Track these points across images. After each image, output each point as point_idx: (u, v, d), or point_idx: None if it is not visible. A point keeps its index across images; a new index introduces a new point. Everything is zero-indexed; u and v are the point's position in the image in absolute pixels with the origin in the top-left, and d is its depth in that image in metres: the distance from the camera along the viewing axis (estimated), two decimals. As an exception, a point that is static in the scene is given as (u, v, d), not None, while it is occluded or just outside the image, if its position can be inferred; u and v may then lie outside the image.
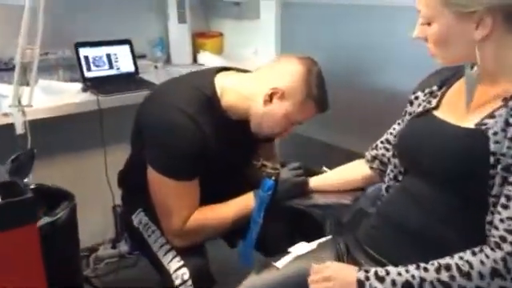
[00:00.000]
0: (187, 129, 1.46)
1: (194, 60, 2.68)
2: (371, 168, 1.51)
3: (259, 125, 1.57)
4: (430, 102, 1.28)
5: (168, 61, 2.65)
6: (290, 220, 1.64)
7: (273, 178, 1.55)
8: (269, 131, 1.60)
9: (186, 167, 1.49)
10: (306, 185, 1.59)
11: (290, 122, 1.58)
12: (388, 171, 1.40)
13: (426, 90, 1.32)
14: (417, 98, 1.35)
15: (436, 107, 1.26)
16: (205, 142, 1.49)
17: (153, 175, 1.51)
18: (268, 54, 2.51)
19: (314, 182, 1.60)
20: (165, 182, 1.49)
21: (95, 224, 2.44)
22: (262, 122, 1.56)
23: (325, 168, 1.66)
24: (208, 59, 2.63)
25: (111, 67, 2.34)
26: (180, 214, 1.52)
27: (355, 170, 1.56)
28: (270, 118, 1.55)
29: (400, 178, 1.35)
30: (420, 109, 1.30)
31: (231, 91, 1.55)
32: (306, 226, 1.63)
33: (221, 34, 2.80)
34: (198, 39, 2.73)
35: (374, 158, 1.50)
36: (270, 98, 1.53)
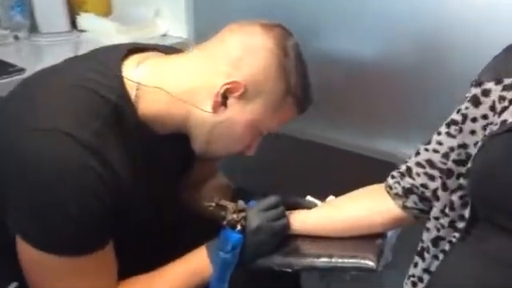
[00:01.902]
0: (82, 169, 0.82)
1: (73, 25, 1.93)
2: (404, 207, 0.96)
3: (207, 143, 0.96)
4: None
5: (34, 28, 1.86)
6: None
7: (238, 227, 0.96)
8: (224, 151, 1.00)
9: (83, 236, 0.85)
10: (287, 229, 1.02)
11: (258, 131, 0.99)
12: (436, 213, 0.88)
13: (508, 81, 0.79)
14: (487, 92, 0.81)
15: None
16: (115, 184, 0.86)
17: (27, 250, 0.86)
18: (176, 17, 1.84)
19: (300, 221, 1.03)
20: (49, 261, 0.85)
21: None
22: (212, 139, 0.95)
23: (310, 198, 1.09)
24: (92, 24, 1.89)
25: None
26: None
27: (370, 206, 1.00)
28: (225, 130, 0.95)
29: (460, 225, 0.83)
30: (509, 116, 0.76)
31: (154, 91, 0.92)
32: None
33: (106, -11, 2.04)
34: (75, -4, 1.97)
35: (410, 191, 0.95)
36: (224, 99, 0.92)
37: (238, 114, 0.94)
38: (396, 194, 0.96)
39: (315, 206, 1.06)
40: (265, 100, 0.94)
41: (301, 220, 1.03)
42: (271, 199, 1.00)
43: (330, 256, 0.95)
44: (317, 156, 1.56)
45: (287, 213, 1.02)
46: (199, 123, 0.94)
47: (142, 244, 1.03)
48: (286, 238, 1.01)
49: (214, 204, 0.97)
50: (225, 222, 0.95)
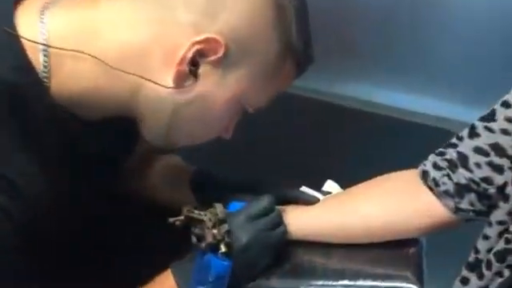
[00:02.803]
0: None
1: None
2: (457, 209, 0.68)
3: (167, 132, 0.66)
4: None
5: None
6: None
7: (222, 249, 0.67)
8: (191, 139, 0.69)
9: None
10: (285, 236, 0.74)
11: (241, 108, 0.68)
12: (501, 216, 0.62)
13: None
14: None
15: None
16: (24, 213, 0.58)
17: None
18: None
19: (302, 222, 0.74)
20: None
21: None
22: (175, 126, 0.65)
23: (308, 190, 0.80)
24: None
25: None
26: None
27: (402, 207, 0.72)
28: (195, 113, 0.65)
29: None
30: None
31: (75, 57, 0.59)
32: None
33: None
34: None
35: (467, 188, 0.67)
36: (193, 66, 0.61)
37: (215, 87, 0.62)
38: (445, 193, 0.68)
39: (317, 200, 0.78)
40: (254, 65, 0.62)
41: (303, 222, 0.75)
42: (262, 201, 0.71)
43: (355, 275, 0.68)
44: (303, 112, 1.25)
45: (281, 210, 0.74)
46: (153, 105, 0.63)
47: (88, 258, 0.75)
48: (285, 248, 0.73)
49: (182, 218, 0.67)
50: (203, 246, 0.66)
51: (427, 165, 0.70)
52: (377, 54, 1.26)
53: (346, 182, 0.83)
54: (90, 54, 0.59)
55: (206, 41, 0.59)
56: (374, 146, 1.16)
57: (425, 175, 0.70)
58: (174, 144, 0.69)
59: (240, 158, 1.16)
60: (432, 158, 0.70)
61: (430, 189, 0.69)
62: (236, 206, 0.73)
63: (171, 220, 0.67)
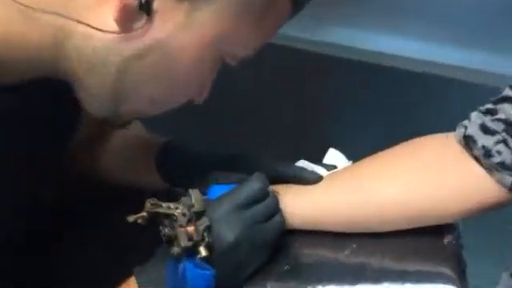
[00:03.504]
0: None
1: None
2: None
3: (114, 97, 0.47)
4: None
5: None
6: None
7: (202, 253, 0.49)
8: (147, 107, 0.52)
9: None
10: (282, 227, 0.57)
11: (219, 56, 0.50)
12: None
13: None
14: None
15: None
16: None
17: None
18: None
19: (303, 207, 0.57)
20: None
21: None
22: (126, 87, 0.47)
23: (304, 163, 0.62)
24: None
25: None
26: None
27: (441, 186, 0.55)
28: (153, 67, 0.46)
29: None
30: None
31: None
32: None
33: None
34: None
35: None
36: (144, 4, 0.42)
37: (178, 30, 0.44)
38: (500, 165, 0.51)
39: (320, 178, 0.60)
40: None
41: (303, 206, 0.58)
42: (253, 183, 0.53)
43: (377, 275, 0.52)
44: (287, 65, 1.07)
45: (274, 189, 0.57)
46: (90, 59, 0.45)
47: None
48: (283, 241, 0.57)
49: (144, 214, 0.49)
50: (175, 252, 0.48)
51: (471, 127, 0.53)
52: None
53: (349, 149, 0.67)
54: None
55: None
56: (377, 101, 1.00)
57: (469, 142, 0.53)
58: (126, 115, 0.51)
59: (216, 123, 0.98)
60: (477, 117, 0.53)
61: (477, 160, 0.52)
62: (217, 190, 0.55)
63: (131, 219, 0.49)
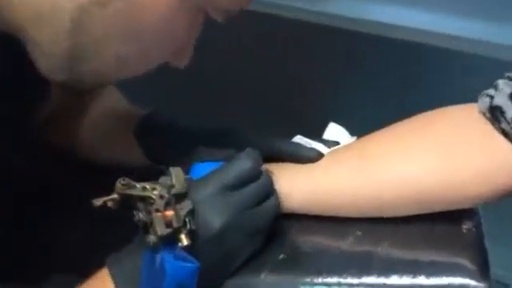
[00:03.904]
0: None
1: None
2: None
3: (73, 58, 0.39)
4: None
5: None
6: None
7: (183, 241, 0.42)
8: (113, 69, 0.44)
9: None
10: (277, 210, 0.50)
11: (200, 11, 0.43)
12: None
13: None
14: None
15: None
16: None
17: None
18: None
19: (302, 190, 0.50)
20: None
21: None
22: (84, 46, 0.39)
23: (302, 138, 0.55)
24: None
25: None
26: None
27: (457, 160, 0.47)
28: (116, 21, 0.39)
29: None
30: None
31: None
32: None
33: None
34: None
35: None
36: None
37: None
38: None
39: (320, 155, 0.53)
40: None
41: (301, 188, 0.51)
42: (243, 161, 0.46)
43: (385, 265, 0.45)
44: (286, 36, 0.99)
45: (268, 168, 0.50)
46: (38, 10, 0.37)
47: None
48: (277, 226, 0.50)
49: (115, 196, 0.42)
50: (151, 241, 0.41)
51: (498, 97, 0.46)
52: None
53: (351, 123, 0.60)
54: None
55: None
56: (379, 73, 0.93)
57: (495, 113, 0.45)
58: (88, 78, 0.43)
59: (206, 96, 0.91)
60: (505, 85, 0.45)
61: (505, 134, 0.45)
62: (202, 169, 0.48)
63: (98, 202, 0.42)
